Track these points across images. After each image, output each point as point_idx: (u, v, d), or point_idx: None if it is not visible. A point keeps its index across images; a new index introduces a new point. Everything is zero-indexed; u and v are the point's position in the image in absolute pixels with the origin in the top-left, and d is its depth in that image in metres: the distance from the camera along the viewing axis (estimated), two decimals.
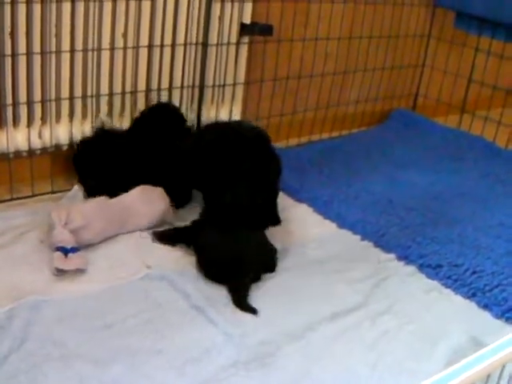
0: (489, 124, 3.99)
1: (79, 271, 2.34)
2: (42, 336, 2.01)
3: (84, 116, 2.94)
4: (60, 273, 2.30)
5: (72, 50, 2.79)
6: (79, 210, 2.51)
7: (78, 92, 2.88)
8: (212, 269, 2.39)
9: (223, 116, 3.37)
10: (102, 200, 2.63)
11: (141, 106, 3.08)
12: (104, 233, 2.54)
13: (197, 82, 3.24)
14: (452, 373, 1.15)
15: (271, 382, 1.96)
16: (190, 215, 2.76)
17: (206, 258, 2.43)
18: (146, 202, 2.66)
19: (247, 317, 2.22)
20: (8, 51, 2.63)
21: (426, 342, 2.21)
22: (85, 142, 2.91)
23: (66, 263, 2.32)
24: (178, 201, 2.79)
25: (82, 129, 2.94)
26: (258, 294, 2.34)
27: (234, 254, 2.37)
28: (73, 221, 2.44)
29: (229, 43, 3.25)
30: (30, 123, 2.81)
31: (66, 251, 2.35)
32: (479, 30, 4.00)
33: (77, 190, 2.83)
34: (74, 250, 2.37)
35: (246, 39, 3.33)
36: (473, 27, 4.04)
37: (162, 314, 2.18)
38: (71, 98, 2.87)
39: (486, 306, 2.42)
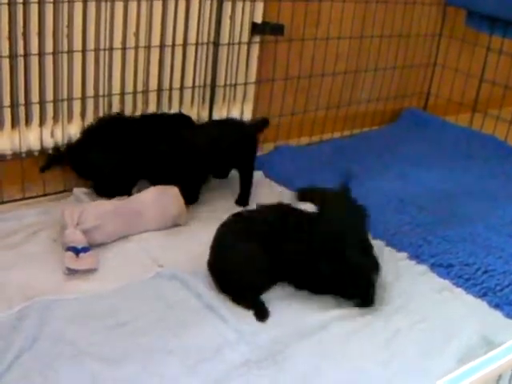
0: (500, 123, 3.98)
1: (90, 271, 2.35)
2: (54, 335, 2.01)
3: (96, 115, 2.94)
4: (71, 272, 2.32)
5: (84, 50, 2.81)
6: (92, 210, 2.52)
7: (90, 91, 2.89)
8: None
9: (235, 115, 3.38)
10: (115, 201, 2.64)
11: (152, 105, 3.09)
12: (115, 234, 2.55)
13: (208, 82, 3.25)
14: (464, 373, 1.16)
15: (283, 381, 1.96)
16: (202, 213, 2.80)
17: None
18: (159, 205, 2.66)
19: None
20: (20, 51, 2.65)
21: (438, 340, 2.20)
22: (88, 130, 2.89)
23: (77, 263, 2.33)
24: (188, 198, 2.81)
25: None
26: (270, 292, 2.35)
27: None
28: (85, 221, 2.45)
29: (240, 43, 3.25)
30: (42, 123, 2.82)
31: (77, 251, 2.36)
32: (491, 29, 3.99)
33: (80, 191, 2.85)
34: (85, 249, 2.38)
35: (257, 39, 3.34)
36: (484, 26, 4.03)
37: (173, 313, 2.19)
38: (83, 97, 2.88)
39: (497, 306, 2.42)
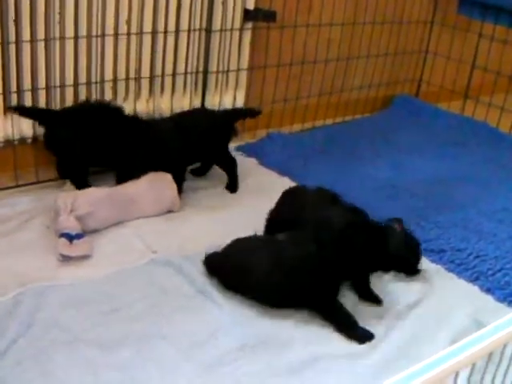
0: (492, 110, 3.99)
1: (84, 257, 2.36)
2: (49, 321, 2.02)
3: None
4: (65, 259, 2.32)
5: (76, 37, 2.80)
6: (85, 197, 2.53)
7: (83, 78, 2.89)
8: None
9: (227, 102, 3.38)
10: (109, 188, 2.64)
11: (145, 91, 3.09)
12: (109, 220, 2.56)
13: (200, 68, 3.25)
14: (453, 351, 1.17)
15: (278, 366, 1.97)
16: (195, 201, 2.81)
17: None
18: (153, 192, 2.67)
19: (252, 301, 2.23)
20: (12, 38, 2.64)
21: (431, 324, 2.23)
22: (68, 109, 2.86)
23: (70, 249, 2.33)
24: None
25: None
26: None
27: None
28: (78, 208, 2.45)
29: (232, 29, 3.25)
30: None
31: (71, 237, 2.36)
32: (482, 16, 4.00)
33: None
34: (79, 236, 2.39)
35: (249, 25, 3.33)
36: (476, 13, 4.04)
37: (167, 299, 2.20)
38: (75, 84, 2.87)
39: (488, 290, 2.44)
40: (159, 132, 2.80)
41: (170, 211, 2.72)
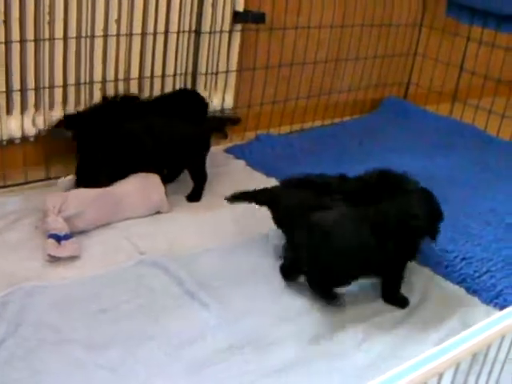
0: (480, 112, 4.01)
1: (72, 258, 2.36)
2: (37, 321, 2.03)
3: (77, 103, 2.94)
4: (53, 260, 2.32)
5: (65, 38, 2.80)
6: (74, 198, 2.53)
7: (72, 79, 2.89)
8: None
9: (216, 103, 3.38)
10: (97, 189, 2.64)
11: (134, 92, 3.09)
12: (97, 221, 2.56)
13: (190, 70, 3.26)
14: (437, 352, 1.18)
15: (267, 366, 1.98)
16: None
17: None
18: (141, 193, 2.67)
19: (239, 301, 2.24)
20: (1, 38, 2.64)
21: (418, 325, 2.24)
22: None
23: (58, 250, 2.34)
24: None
25: None
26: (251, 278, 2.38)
27: None
28: (67, 209, 2.46)
29: (222, 31, 3.26)
30: (23, 110, 2.82)
31: (59, 238, 2.37)
32: (470, 19, 4.02)
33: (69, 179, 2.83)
34: (67, 236, 2.39)
35: (238, 27, 3.34)
36: (464, 16, 4.06)
37: (155, 299, 2.20)
38: (65, 85, 2.88)
39: (475, 292, 2.45)
40: (129, 132, 2.77)
41: (158, 212, 2.72)
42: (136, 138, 2.75)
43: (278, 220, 2.52)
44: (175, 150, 2.82)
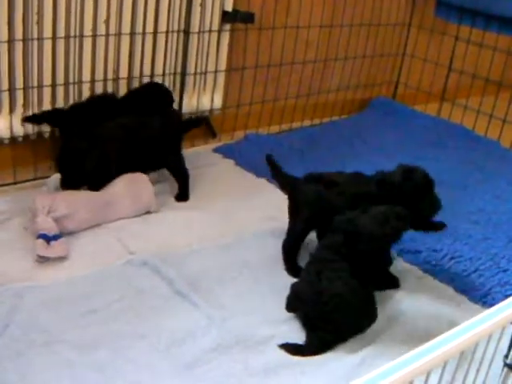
0: (468, 112, 4.03)
1: (61, 258, 2.36)
2: (26, 322, 2.02)
3: (66, 103, 2.93)
4: (42, 260, 2.32)
5: (54, 37, 2.79)
6: (64, 198, 2.53)
7: (60, 79, 2.88)
8: None
9: (205, 103, 3.39)
10: (87, 192, 2.65)
11: (122, 92, 3.09)
12: (87, 222, 2.56)
13: (178, 69, 3.26)
14: (424, 350, 1.19)
15: (255, 366, 1.99)
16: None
17: None
18: (130, 194, 2.67)
19: (229, 301, 2.25)
20: None
21: (406, 324, 2.25)
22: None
23: (48, 250, 2.33)
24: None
25: None
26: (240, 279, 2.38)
27: None
28: (56, 209, 2.45)
29: (210, 31, 3.26)
30: (12, 110, 2.81)
31: (48, 238, 2.36)
32: (459, 19, 4.03)
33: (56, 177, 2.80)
34: (56, 237, 2.39)
35: (227, 27, 3.34)
36: (453, 16, 4.08)
37: (145, 299, 2.21)
38: (53, 85, 2.87)
39: (464, 291, 2.47)
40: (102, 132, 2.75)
41: (148, 212, 2.72)
42: (104, 142, 2.71)
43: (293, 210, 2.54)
44: (147, 150, 2.81)
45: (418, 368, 1.14)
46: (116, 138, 2.74)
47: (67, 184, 2.65)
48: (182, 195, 2.90)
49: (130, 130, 2.78)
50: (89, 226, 2.56)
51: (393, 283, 2.45)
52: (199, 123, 3.13)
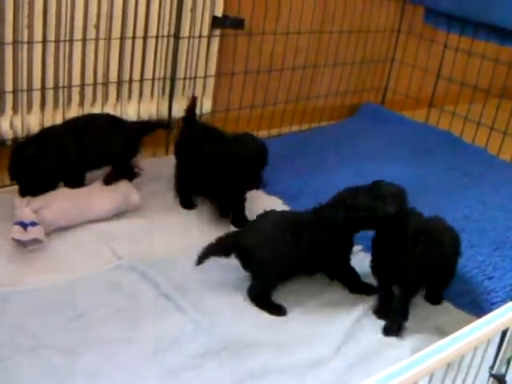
0: (456, 119, 4.05)
1: (36, 241, 2.37)
2: (14, 326, 2.02)
3: (55, 106, 2.94)
4: (18, 243, 2.35)
5: (44, 41, 2.79)
6: (41, 196, 2.58)
7: (50, 83, 2.88)
8: None
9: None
10: (64, 188, 2.70)
11: (112, 97, 3.09)
12: (67, 214, 2.57)
13: (168, 74, 3.26)
14: (412, 362, 1.19)
15: (242, 371, 1.99)
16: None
17: None
18: (108, 188, 2.71)
19: (216, 306, 2.26)
20: None
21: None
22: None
23: (23, 235, 2.36)
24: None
25: (53, 119, 2.93)
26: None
27: None
28: (34, 202, 2.50)
29: (200, 36, 3.27)
30: (0, 113, 2.81)
31: (25, 225, 2.39)
32: (448, 26, 4.06)
33: None
34: (33, 223, 2.41)
35: (217, 32, 3.35)
36: (442, 23, 4.10)
37: (132, 304, 2.21)
38: (43, 88, 2.87)
39: (449, 298, 2.48)
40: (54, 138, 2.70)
41: (135, 215, 2.73)
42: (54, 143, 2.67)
43: None
44: (102, 155, 2.79)
45: (405, 380, 1.14)
46: (65, 136, 2.70)
47: (26, 192, 2.61)
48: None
49: (77, 129, 2.74)
50: (70, 220, 2.56)
51: (367, 290, 2.47)
52: (154, 128, 3.06)
